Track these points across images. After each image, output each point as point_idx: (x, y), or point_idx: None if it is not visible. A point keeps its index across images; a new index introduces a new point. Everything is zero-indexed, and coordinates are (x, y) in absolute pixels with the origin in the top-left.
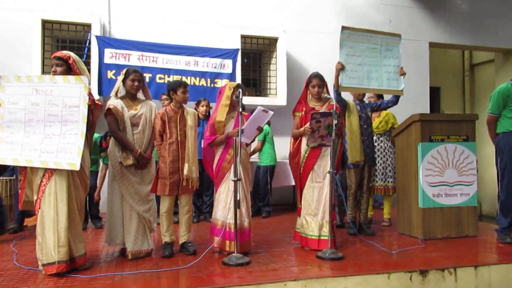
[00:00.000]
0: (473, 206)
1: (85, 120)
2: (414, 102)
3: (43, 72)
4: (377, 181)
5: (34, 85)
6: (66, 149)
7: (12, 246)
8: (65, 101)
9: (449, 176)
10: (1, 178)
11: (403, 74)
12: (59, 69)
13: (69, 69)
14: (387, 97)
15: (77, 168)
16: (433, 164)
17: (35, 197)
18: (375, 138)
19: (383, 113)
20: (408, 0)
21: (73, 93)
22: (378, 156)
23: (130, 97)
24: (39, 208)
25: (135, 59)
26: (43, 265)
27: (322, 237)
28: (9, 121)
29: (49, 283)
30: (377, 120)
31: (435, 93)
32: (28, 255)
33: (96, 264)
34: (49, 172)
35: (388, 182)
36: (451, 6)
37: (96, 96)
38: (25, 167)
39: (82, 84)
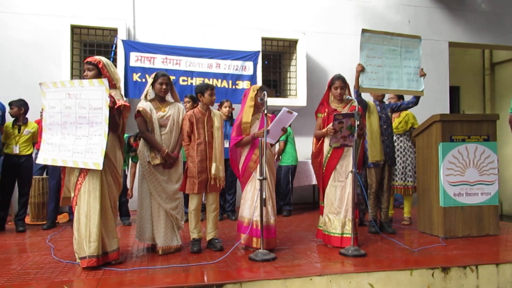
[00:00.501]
0: (494, 205)
1: (107, 121)
2: (434, 102)
3: (72, 76)
4: (396, 181)
5: (67, 90)
6: (92, 149)
7: (48, 241)
8: (91, 104)
9: (470, 176)
10: (34, 177)
11: (423, 75)
12: (90, 73)
13: (99, 73)
14: (407, 98)
15: (101, 168)
16: (454, 163)
17: (72, 195)
18: (395, 138)
19: (403, 113)
20: (427, 0)
21: (97, 96)
22: (398, 156)
23: (159, 99)
24: (76, 204)
25: (159, 62)
26: (80, 258)
27: (344, 235)
28: (50, 124)
29: (88, 275)
30: (396, 121)
31: (454, 93)
32: (63, 250)
33: (128, 259)
34: (84, 171)
35: (408, 181)
36: (470, 5)
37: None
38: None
39: (103, 86)
